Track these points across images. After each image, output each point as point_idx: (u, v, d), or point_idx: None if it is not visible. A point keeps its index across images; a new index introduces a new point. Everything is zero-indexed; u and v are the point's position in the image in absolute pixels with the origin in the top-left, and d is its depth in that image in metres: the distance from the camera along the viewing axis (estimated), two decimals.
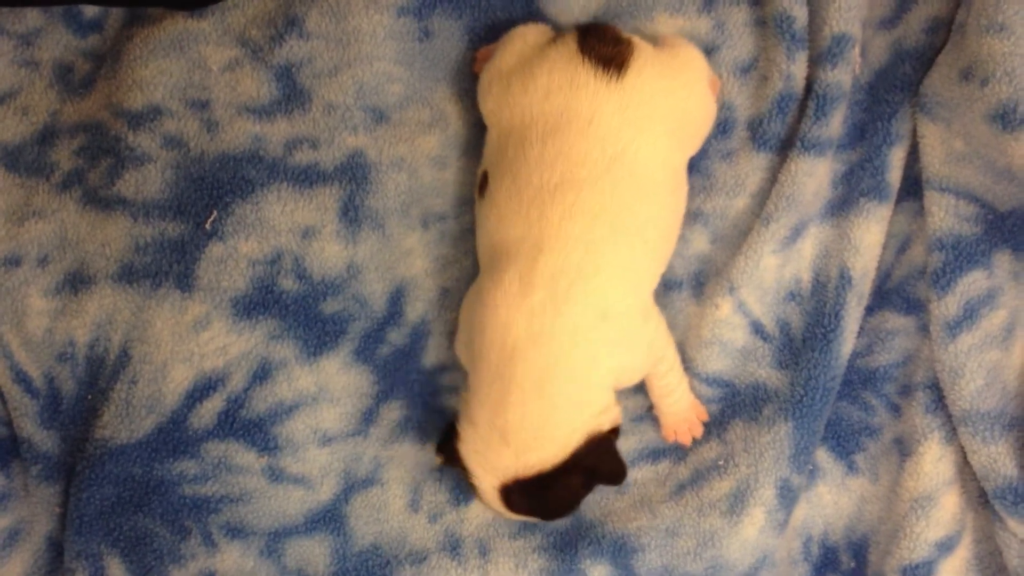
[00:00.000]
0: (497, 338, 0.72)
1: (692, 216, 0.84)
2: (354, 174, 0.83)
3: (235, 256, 0.80)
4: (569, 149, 0.73)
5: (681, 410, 0.82)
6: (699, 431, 0.83)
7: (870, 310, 0.84)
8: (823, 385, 0.81)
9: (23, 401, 0.81)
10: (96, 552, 0.79)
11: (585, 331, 0.72)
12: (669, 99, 0.76)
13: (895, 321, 0.84)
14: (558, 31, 0.81)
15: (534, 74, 0.76)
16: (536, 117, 0.75)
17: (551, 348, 0.71)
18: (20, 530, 0.83)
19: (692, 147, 0.81)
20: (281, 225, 0.81)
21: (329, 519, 0.81)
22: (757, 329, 0.83)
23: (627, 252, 0.74)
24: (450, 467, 0.78)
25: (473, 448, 0.73)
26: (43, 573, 0.83)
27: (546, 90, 0.75)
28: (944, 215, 0.81)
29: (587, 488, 0.75)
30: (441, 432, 0.78)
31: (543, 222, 0.72)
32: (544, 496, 0.73)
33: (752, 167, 0.83)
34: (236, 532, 0.80)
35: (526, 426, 0.71)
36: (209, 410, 0.80)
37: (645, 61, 0.76)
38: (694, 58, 0.81)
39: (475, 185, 0.80)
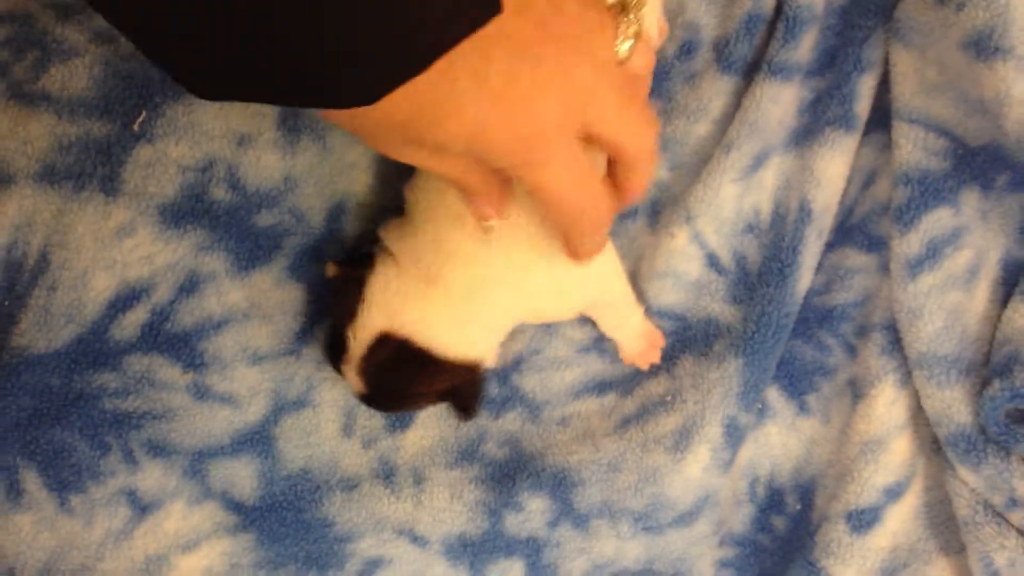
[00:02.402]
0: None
1: None
2: None
3: (164, 160, 0.75)
4: None
5: (636, 336, 0.79)
6: (656, 357, 0.80)
7: (830, 246, 0.80)
8: (776, 322, 0.78)
9: None
10: (11, 465, 0.75)
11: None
12: None
13: (856, 259, 0.80)
14: None
15: None
16: None
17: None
18: None
19: None
20: (215, 130, 0.76)
21: (257, 440, 0.78)
22: (712, 262, 0.80)
23: None
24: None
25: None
26: None
27: None
28: (912, 148, 0.77)
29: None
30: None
31: None
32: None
33: (716, 91, 0.79)
34: (159, 450, 0.76)
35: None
36: (132, 322, 0.75)
37: None
38: None
39: None
